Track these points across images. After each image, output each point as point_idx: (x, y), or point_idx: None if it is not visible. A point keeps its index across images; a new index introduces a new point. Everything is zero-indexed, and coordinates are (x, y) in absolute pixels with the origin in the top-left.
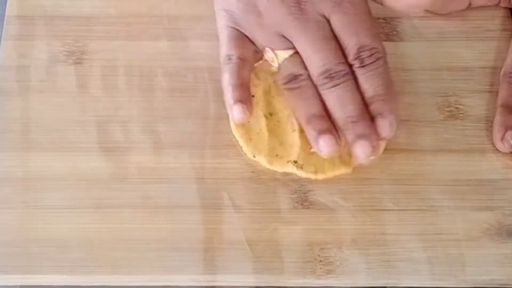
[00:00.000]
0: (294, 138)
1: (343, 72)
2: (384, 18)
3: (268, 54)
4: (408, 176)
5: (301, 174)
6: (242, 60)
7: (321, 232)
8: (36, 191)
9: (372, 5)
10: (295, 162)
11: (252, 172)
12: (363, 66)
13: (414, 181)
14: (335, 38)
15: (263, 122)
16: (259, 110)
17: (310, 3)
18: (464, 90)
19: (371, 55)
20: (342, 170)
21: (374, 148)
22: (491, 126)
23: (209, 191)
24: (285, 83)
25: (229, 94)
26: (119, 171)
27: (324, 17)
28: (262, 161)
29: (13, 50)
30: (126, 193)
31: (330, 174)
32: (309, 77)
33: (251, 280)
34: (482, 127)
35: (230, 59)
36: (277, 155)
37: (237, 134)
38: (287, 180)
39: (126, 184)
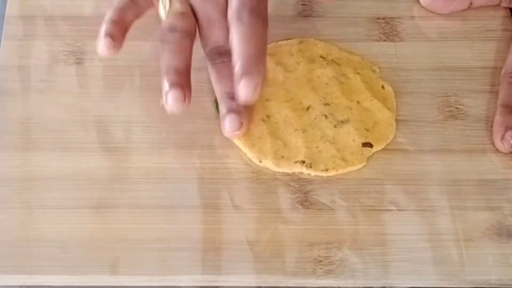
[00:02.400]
0: (297, 137)
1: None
2: (384, 18)
3: (164, 1)
4: (408, 176)
5: (311, 173)
6: (132, 2)
7: (321, 232)
8: (36, 191)
9: (371, 4)
10: (303, 162)
11: (252, 172)
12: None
13: (414, 181)
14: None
15: (262, 126)
16: (256, 114)
17: None
18: (464, 90)
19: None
20: (357, 165)
21: (241, 125)
22: (491, 126)
23: (209, 191)
24: (164, 33)
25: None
26: (119, 171)
27: None
28: (269, 164)
29: (13, 50)
30: (126, 193)
31: (342, 170)
32: (190, 36)
33: (251, 280)
34: (482, 127)
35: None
36: (283, 156)
37: (238, 141)
38: (287, 180)
39: (126, 184)
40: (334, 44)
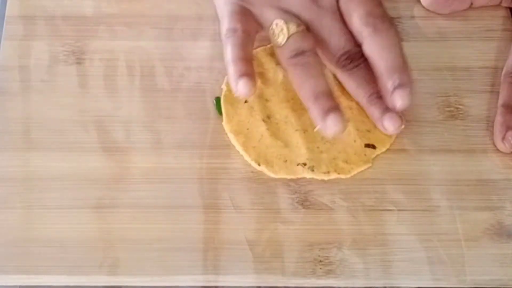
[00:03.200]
0: (298, 138)
1: (361, 53)
2: None
3: (278, 25)
4: (408, 176)
5: (313, 177)
6: (247, 34)
7: (321, 232)
8: (36, 191)
9: None
10: (305, 164)
11: (252, 172)
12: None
13: (414, 181)
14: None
15: (263, 127)
16: (257, 115)
17: None
18: (465, 90)
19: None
20: (361, 167)
21: (401, 118)
22: (492, 126)
23: (209, 191)
24: (292, 57)
25: (233, 68)
26: (119, 171)
27: (337, 1)
28: (267, 170)
29: (13, 50)
30: (126, 193)
31: (345, 175)
32: (317, 55)
33: (251, 280)
34: (482, 127)
35: (235, 31)
36: (286, 160)
37: (236, 143)
38: (287, 180)
39: (126, 184)
40: None
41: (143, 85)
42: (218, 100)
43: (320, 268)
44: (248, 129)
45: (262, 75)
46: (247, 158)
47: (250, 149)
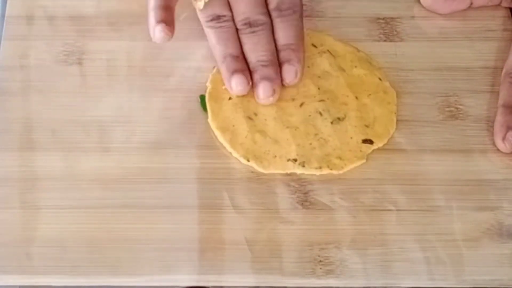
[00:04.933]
0: (288, 135)
1: (261, 21)
2: (384, 18)
3: None
4: (408, 176)
5: (303, 172)
6: None
7: (321, 232)
8: (36, 191)
9: (371, 4)
10: (295, 160)
11: (252, 172)
12: (280, 16)
13: (414, 181)
14: None
15: (249, 123)
16: (242, 111)
17: None
18: (465, 90)
19: (289, 8)
20: (355, 163)
21: (275, 91)
22: (492, 126)
23: (208, 191)
24: (208, 21)
25: (152, 16)
26: (119, 171)
27: None
28: (256, 166)
29: (13, 50)
30: (126, 193)
31: (338, 170)
32: (232, 19)
33: (251, 280)
34: (482, 127)
35: None
36: (275, 156)
37: (223, 140)
38: (287, 180)
39: (126, 184)
40: (328, 35)
41: (143, 85)
42: (203, 97)
43: (320, 268)
44: (234, 125)
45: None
46: (235, 154)
47: (237, 146)
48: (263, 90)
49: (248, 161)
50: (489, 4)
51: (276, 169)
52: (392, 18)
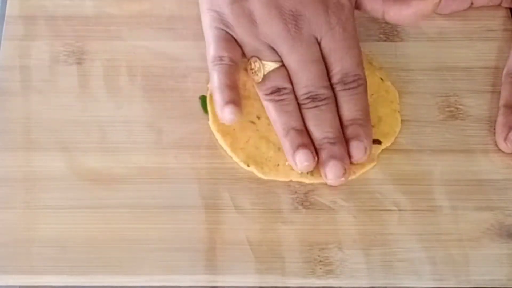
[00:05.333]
0: None
1: (325, 95)
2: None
3: (255, 63)
4: (408, 176)
5: (313, 181)
6: (233, 63)
7: (321, 232)
8: (37, 191)
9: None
10: None
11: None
12: (345, 90)
13: (414, 181)
14: (323, 61)
15: (251, 128)
16: (245, 115)
17: (306, 23)
18: (465, 90)
19: (354, 81)
20: (366, 167)
21: (345, 171)
22: (492, 126)
23: (209, 191)
24: (269, 94)
25: (220, 95)
26: (119, 171)
27: (316, 39)
28: (257, 171)
29: (13, 50)
30: (126, 193)
31: (351, 175)
32: (292, 92)
33: (252, 280)
34: (482, 127)
35: (221, 60)
36: (278, 164)
37: (224, 143)
38: (287, 180)
39: (127, 184)
40: None
41: (143, 85)
42: (203, 98)
43: (320, 268)
44: (234, 129)
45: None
46: (235, 159)
47: (238, 150)
48: (333, 171)
49: (248, 166)
50: (489, 4)
51: (277, 177)
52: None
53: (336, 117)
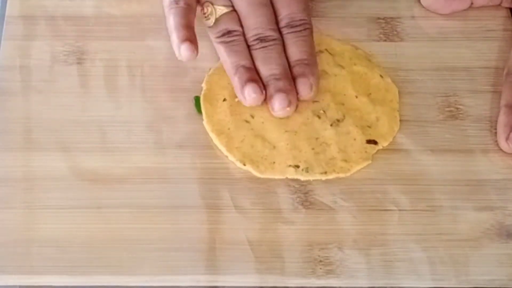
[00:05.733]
0: (287, 140)
1: (273, 37)
2: (384, 18)
3: (208, 8)
4: (408, 176)
5: (308, 178)
6: (188, 5)
7: (321, 232)
8: (36, 191)
9: (371, 4)
10: (297, 166)
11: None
12: (292, 32)
13: (414, 181)
14: (271, 5)
15: (246, 127)
16: (238, 114)
17: None
18: (464, 90)
19: (300, 25)
20: (361, 164)
21: (291, 102)
22: (491, 126)
23: (209, 191)
24: (219, 37)
25: (175, 34)
26: (120, 171)
27: None
28: (253, 170)
29: (13, 50)
30: (126, 193)
31: (344, 174)
32: (242, 34)
33: (252, 280)
34: (482, 127)
35: (177, 3)
36: (274, 162)
37: (219, 143)
38: (288, 180)
39: (127, 184)
40: (326, 35)
41: (143, 85)
42: (197, 98)
43: (320, 268)
44: (229, 128)
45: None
46: (231, 158)
47: (234, 150)
48: (278, 102)
49: (245, 165)
50: (489, 4)
51: (273, 175)
52: (392, 18)
53: (282, 57)
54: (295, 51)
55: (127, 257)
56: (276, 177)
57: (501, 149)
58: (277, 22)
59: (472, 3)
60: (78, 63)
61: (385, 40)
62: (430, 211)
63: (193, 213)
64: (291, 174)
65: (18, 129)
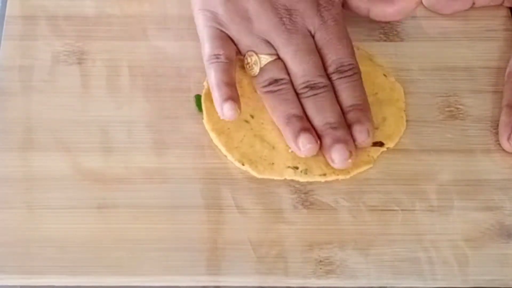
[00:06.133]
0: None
1: (323, 83)
2: None
3: (251, 57)
4: (409, 176)
5: (307, 179)
6: (229, 60)
7: (322, 232)
8: (36, 191)
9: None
10: (296, 167)
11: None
12: (342, 78)
13: (415, 181)
14: (318, 52)
15: (245, 127)
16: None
17: (300, 17)
18: (464, 90)
19: (349, 69)
20: (362, 167)
21: (351, 153)
22: (492, 126)
23: (211, 191)
24: (266, 86)
25: (218, 92)
26: (121, 171)
27: (310, 32)
28: (251, 170)
29: (13, 50)
30: (128, 193)
31: (344, 176)
32: (290, 83)
33: (253, 280)
34: (482, 127)
35: (217, 58)
36: (272, 163)
37: (218, 143)
38: (288, 180)
39: (128, 184)
40: None
41: (143, 85)
42: (198, 97)
43: (320, 268)
44: (229, 128)
45: (242, 68)
46: (230, 158)
47: (233, 149)
48: (339, 154)
49: (243, 165)
50: (491, 4)
51: (271, 175)
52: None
53: (335, 104)
54: (348, 97)
55: (127, 257)
56: (275, 178)
57: (502, 149)
58: (325, 69)
59: (474, 3)
60: (78, 63)
61: (385, 40)
62: (430, 211)
63: (194, 213)
64: (290, 175)
65: (18, 129)
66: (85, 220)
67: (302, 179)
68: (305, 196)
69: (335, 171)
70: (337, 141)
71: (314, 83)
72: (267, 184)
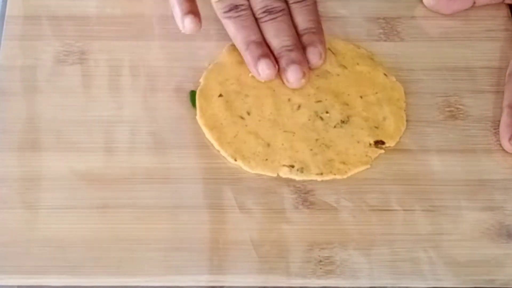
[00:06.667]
0: (284, 140)
1: (280, 8)
2: (384, 18)
3: None
4: (409, 176)
5: (304, 177)
6: None
7: (322, 232)
8: (37, 191)
9: (371, 4)
10: (292, 166)
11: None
12: (298, 2)
13: (415, 181)
14: None
15: (240, 123)
16: (233, 110)
17: None
18: (465, 90)
19: None
20: (359, 168)
21: (305, 74)
22: (492, 126)
23: (212, 191)
24: (226, 12)
25: (179, 7)
26: (122, 171)
27: None
28: (243, 165)
29: (14, 50)
30: (128, 193)
31: (341, 175)
32: (249, 8)
33: (254, 280)
34: (482, 127)
35: None
36: (266, 159)
37: (211, 138)
38: (288, 180)
39: (129, 184)
40: (328, 34)
41: (144, 85)
42: (193, 93)
43: (321, 268)
44: (222, 123)
45: (241, 64)
46: (223, 153)
47: (225, 145)
48: (293, 74)
49: (235, 160)
50: (492, 2)
51: (264, 171)
52: (392, 18)
53: (291, 27)
54: (302, 21)
55: (128, 257)
56: (267, 174)
57: (502, 149)
58: None
59: (474, 2)
60: (79, 63)
61: (385, 40)
62: (430, 211)
63: (195, 213)
64: (285, 173)
65: (18, 129)
66: (85, 220)
67: (298, 177)
68: (305, 196)
69: (332, 170)
70: (292, 62)
71: (272, 7)
72: (268, 184)
